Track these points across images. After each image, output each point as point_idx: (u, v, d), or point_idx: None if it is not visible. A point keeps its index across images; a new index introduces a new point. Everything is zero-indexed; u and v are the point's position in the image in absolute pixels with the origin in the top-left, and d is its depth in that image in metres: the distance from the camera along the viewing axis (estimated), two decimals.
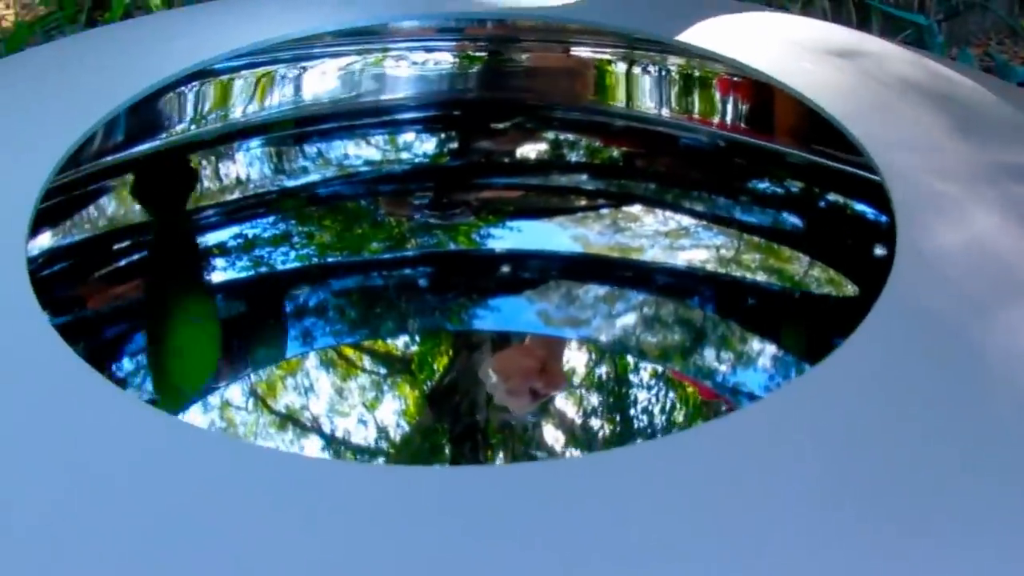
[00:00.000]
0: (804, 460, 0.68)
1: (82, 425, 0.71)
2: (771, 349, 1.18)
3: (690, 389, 1.17)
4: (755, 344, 1.19)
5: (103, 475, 0.67)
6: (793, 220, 1.27)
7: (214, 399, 1.15)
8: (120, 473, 0.67)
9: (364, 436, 1.13)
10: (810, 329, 1.19)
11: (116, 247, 1.24)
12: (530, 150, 1.44)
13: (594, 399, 1.18)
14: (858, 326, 0.75)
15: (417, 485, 0.66)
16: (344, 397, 1.17)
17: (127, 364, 1.17)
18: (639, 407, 1.17)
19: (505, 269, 1.32)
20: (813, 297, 1.20)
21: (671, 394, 1.17)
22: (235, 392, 1.16)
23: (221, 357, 1.20)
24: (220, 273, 1.28)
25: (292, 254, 1.29)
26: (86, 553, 0.61)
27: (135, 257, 1.25)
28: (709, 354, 1.19)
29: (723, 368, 1.16)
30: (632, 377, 1.20)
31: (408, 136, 1.41)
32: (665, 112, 1.35)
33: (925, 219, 0.91)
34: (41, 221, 1.05)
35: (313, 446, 1.11)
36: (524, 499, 0.64)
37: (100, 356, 1.15)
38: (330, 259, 1.30)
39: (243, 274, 1.28)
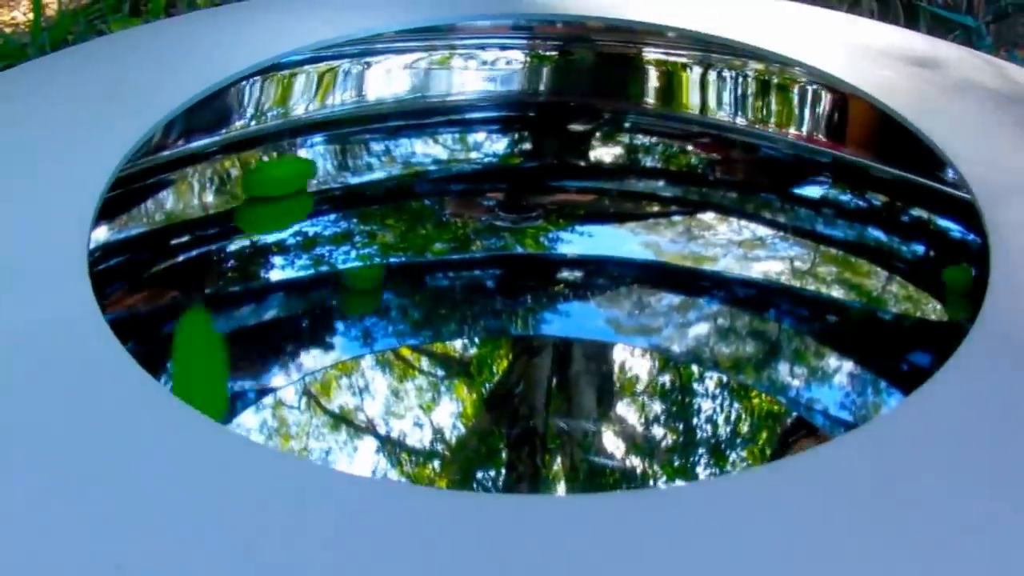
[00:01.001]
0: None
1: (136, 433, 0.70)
2: (847, 366, 1.14)
3: (756, 402, 1.13)
4: (830, 360, 1.16)
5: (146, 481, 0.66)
6: (873, 234, 1.24)
7: (270, 399, 1.13)
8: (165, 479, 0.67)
9: (420, 438, 1.11)
10: (886, 347, 1.15)
11: (174, 242, 1.23)
12: (603, 154, 1.42)
13: (657, 407, 1.15)
14: (955, 350, 0.73)
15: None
16: (401, 399, 1.15)
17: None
18: (703, 417, 1.14)
19: (574, 274, 1.29)
20: (890, 314, 1.16)
21: (737, 406, 1.14)
22: (289, 392, 1.14)
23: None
24: (279, 271, 1.26)
25: (353, 253, 1.27)
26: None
27: (192, 254, 1.23)
28: (782, 368, 1.15)
29: (796, 383, 1.13)
30: (698, 387, 1.17)
31: (478, 136, 1.39)
32: (741, 119, 1.33)
33: (1019, 240, 0.88)
34: (105, 214, 1.04)
35: (367, 448, 1.09)
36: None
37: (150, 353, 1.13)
38: (392, 259, 1.28)
39: (303, 272, 1.26)
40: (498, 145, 1.41)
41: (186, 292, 1.20)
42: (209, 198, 1.30)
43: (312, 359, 1.17)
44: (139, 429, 0.70)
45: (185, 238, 1.24)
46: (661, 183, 1.38)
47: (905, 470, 0.66)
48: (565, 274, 1.29)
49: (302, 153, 1.35)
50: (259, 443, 0.69)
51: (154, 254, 1.20)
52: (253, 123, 1.40)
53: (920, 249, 1.21)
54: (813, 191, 1.29)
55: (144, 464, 0.67)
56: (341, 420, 1.11)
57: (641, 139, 1.39)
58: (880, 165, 1.23)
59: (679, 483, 1.01)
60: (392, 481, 0.71)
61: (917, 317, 1.15)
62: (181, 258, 1.22)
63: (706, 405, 1.14)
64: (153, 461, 0.67)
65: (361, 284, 1.29)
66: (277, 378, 1.15)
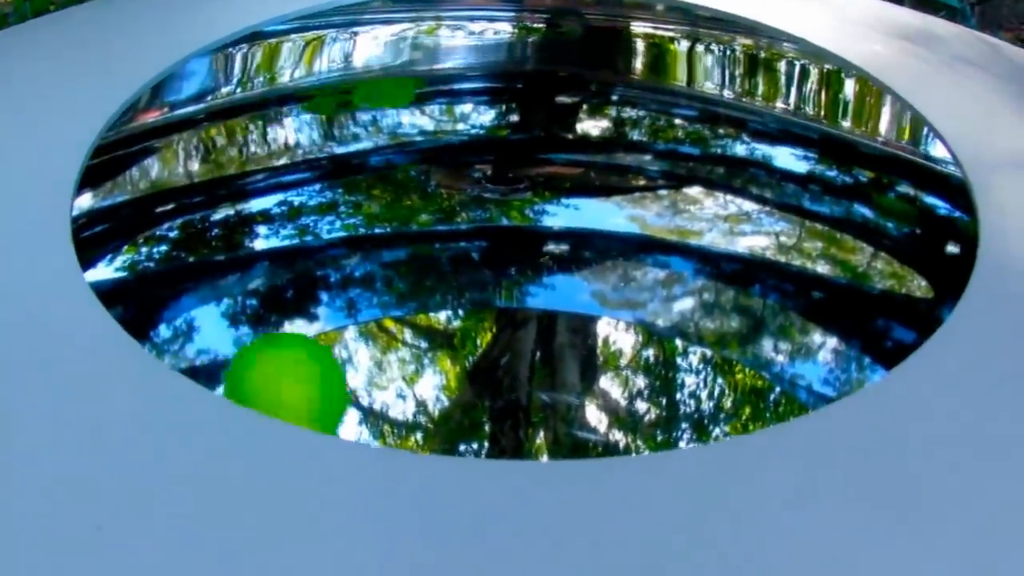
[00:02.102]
0: None
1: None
2: (831, 342, 1.15)
3: (740, 376, 1.14)
4: (814, 336, 1.16)
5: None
6: (860, 211, 1.24)
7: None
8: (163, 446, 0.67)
9: (402, 410, 1.11)
10: (871, 323, 1.16)
11: (158, 210, 1.22)
12: (590, 126, 1.41)
13: (640, 381, 1.15)
14: (937, 328, 0.73)
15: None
16: (384, 370, 1.15)
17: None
18: (686, 391, 1.14)
19: (559, 247, 1.29)
20: (875, 290, 1.17)
21: (720, 380, 1.15)
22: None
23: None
24: (263, 240, 1.26)
25: (338, 223, 1.27)
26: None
27: (176, 222, 1.23)
28: (766, 343, 1.16)
29: (780, 358, 1.13)
30: (681, 361, 1.17)
31: (465, 107, 1.38)
32: (728, 93, 1.33)
33: (1005, 223, 0.88)
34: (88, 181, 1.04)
35: (350, 419, 1.09)
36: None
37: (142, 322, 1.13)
38: (378, 230, 1.28)
39: (286, 242, 1.25)
40: (485, 117, 1.41)
41: (175, 263, 1.19)
42: (194, 166, 1.30)
43: (295, 329, 1.17)
44: (116, 390, 0.70)
45: (169, 206, 1.24)
46: (648, 157, 1.38)
47: (888, 442, 0.67)
48: (551, 247, 1.29)
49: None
50: (241, 407, 0.68)
51: (138, 221, 1.19)
52: (238, 91, 1.39)
53: (907, 226, 1.21)
54: (800, 166, 1.29)
55: (125, 425, 0.67)
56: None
57: (629, 112, 1.39)
58: (869, 141, 1.23)
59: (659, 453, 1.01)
60: (374, 446, 0.71)
61: (903, 293, 1.15)
62: (165, 226, 1.22)
63: (690, 380, 1.15)
64: (131, 420, 0.68)
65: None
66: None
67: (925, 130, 1.09)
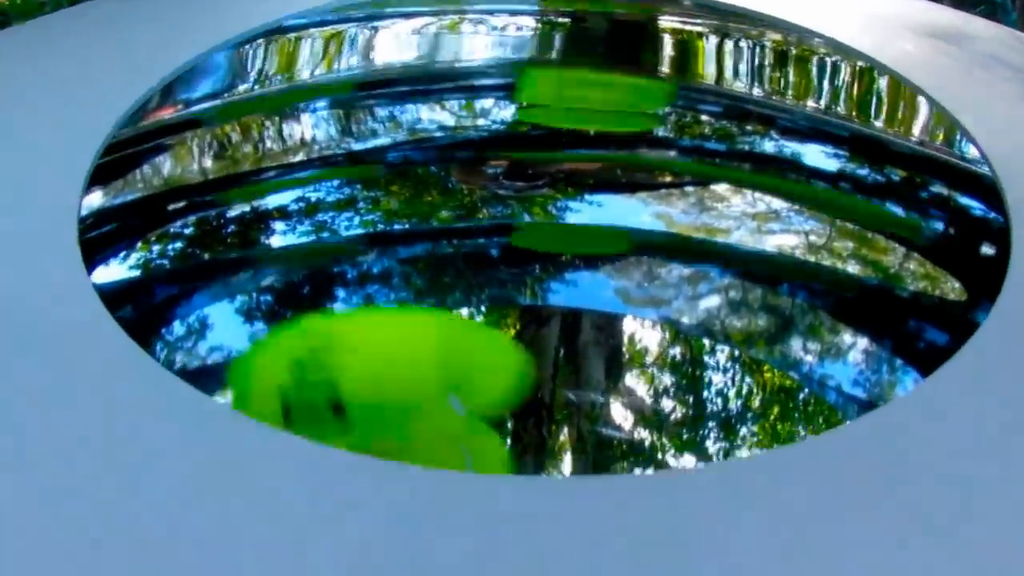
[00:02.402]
0: None
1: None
2: (861, 343, 1.11)
3: (768, 376, 1.11)
4: (844, 337, 1.13)
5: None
6: (892, 210, 1.21)
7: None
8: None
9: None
10: (902, 325, 1.13)
11: (171, 207, 1.20)
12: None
13: (666, 380, 1.12)
14: (971, 331, 0.71)
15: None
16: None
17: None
18: (713, 391, 1.11)
19: (581, 243, 1.26)
20: (907, 291, 1.14)
21: (748, 380, 1.11)
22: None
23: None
24: (279, 237, 1.24)
25: (356, 220, 1.25)
26: None
27: (190, 218, 1.21)
28: (795, 343, 1.12)
29: (808, 359, 1.10)
30: (707, 360, 1.14)
31: (485, 103, 1.36)
32: (758, 90, 1.30)
33: None
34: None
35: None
36: None
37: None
38: (396, 226, 1.25)
39: (303, 239, 1.23)
40: (506, 112, 1.38)
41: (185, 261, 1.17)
42: (208, 162, 1.28)
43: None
44: (114, 393, 0.68)
45: (181, 203, 1.22)
46: (673, 153, 1.35)
47: (920, 455, 0.64)
48: (573, 243, 1.26)
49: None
50: (239, 412, 0.66)
51: (149, 218, 1.17)
52: (256, 87, 1.38)
53: (939, 226, 1.18)
54: (831, 164, 1.26)
55: (129, 433, 0.65)
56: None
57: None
58: (900, 140, 1.20)
59: (687, 465, 0.98)
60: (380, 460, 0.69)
61: (935, 295, 1.12)
62: (178, 223, 1.20)
63: (717, 379, 1.12)
64: (127, 425, 0.66)
65: None
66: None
67: (957, 131, 1.06)
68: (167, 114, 1.23)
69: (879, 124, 1.22)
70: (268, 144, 1.34)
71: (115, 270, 1.08)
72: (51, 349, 0.72)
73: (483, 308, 1.19)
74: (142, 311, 1.09)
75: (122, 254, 1.11)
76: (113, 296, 0.97)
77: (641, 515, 0.60)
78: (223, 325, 1.11)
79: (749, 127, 1.32)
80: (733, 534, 0.59)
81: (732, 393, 1.10)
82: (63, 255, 0.82)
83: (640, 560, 0.57)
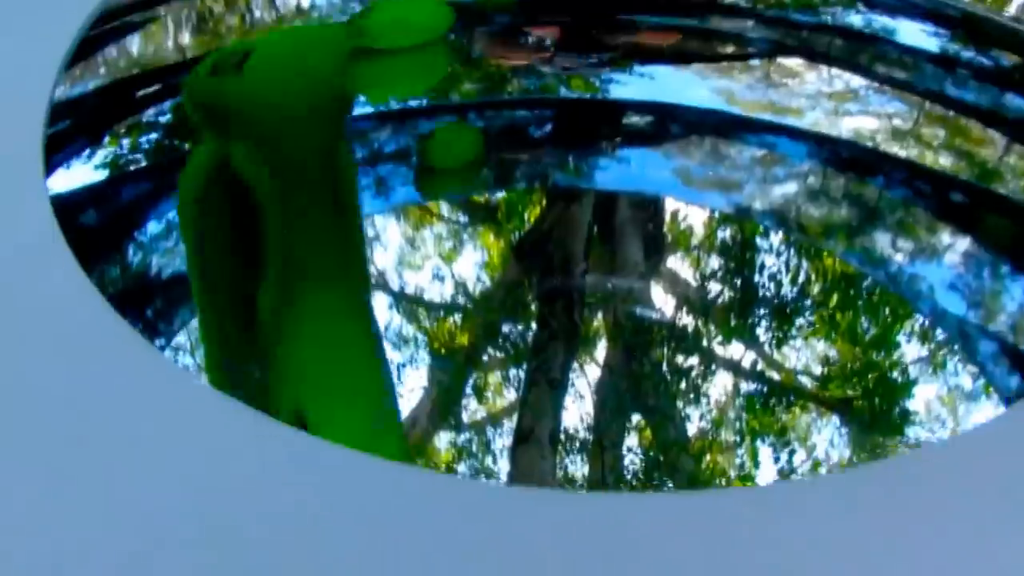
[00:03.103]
0: None
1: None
2: (947, 241, 0.96)
3: (839, 267, 0.95)
4: (934, 234, 0.97)
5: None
6: (995, 95, 1.05)
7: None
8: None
9: (439, 292, 0.92)
10: (998, 225, 0.97)
11: (140, 93, 1.04)
12: None
13: (715, 263, 0.96)
14: None
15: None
16: (417, 248, 0.96)
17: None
18: (767, 276, 0.95)
19: (628, 120, 1.10)
20: (1007, 188, 0.98)
21: (805, 264, 0.96)
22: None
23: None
24: None
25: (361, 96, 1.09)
26: None
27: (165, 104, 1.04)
28: (881, 237, 0.96)
29: (896, 256, 0.94)
30: (762, 243, 0.98)
31: None
32: None
33: None
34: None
35: (380, 304, 0.91)
36: None
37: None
38: (412, 103, 1.09)
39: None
40: None
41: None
42: (185, 38, 1.12)
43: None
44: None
45: (155, 87, 1.06)
46: (738, 22, 1.19)
47: None
48: (618, 120, 1.10)
49: None
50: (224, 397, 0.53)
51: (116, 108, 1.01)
52: None
53: None
54: (925, 42, 1.10)
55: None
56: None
57: None
58: (1006, 20, 1.04)
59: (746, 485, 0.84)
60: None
61: None
62: (151, 111, 1.03)
63: (768, 261, 0.96)
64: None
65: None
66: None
67: None
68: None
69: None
70: (257, 14, 1.18)
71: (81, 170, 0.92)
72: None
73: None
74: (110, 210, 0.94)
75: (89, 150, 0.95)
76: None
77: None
78: None
79: None
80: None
81: (787, 279, 0.95)
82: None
83: None
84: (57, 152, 0.84)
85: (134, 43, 1.06)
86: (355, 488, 0.48)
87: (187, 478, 0.48)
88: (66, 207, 0.71)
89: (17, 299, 0.58)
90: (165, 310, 0.86)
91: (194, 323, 0.83)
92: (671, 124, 1.09)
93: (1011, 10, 1.07)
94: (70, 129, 0.91)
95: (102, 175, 0.93)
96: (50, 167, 0.75)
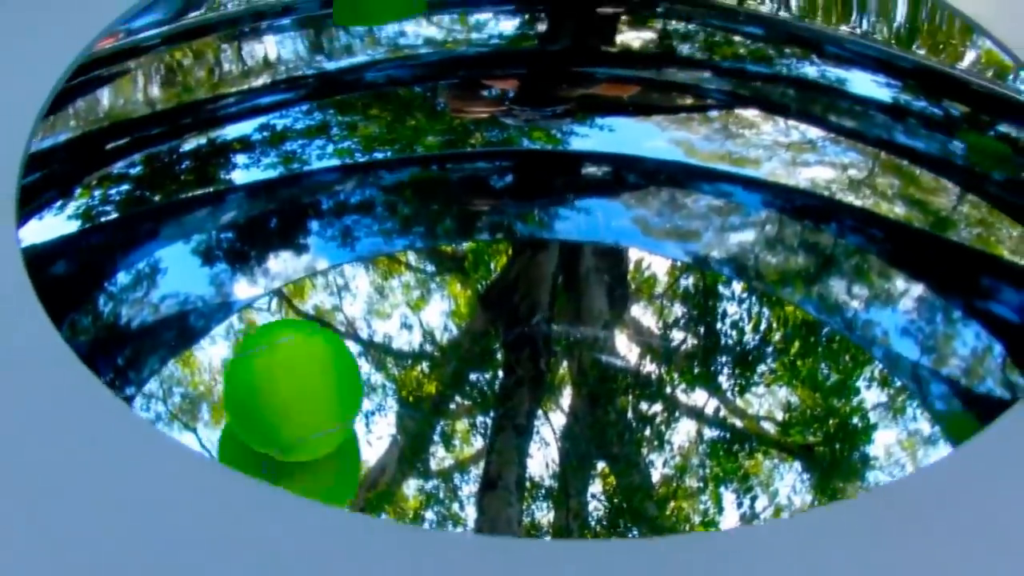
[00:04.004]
0: None
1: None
2: (900, 287, 0.98)
3: (798, 314, 0.96)
4: (889, 281, 0.99)
5: None
6: (942, 145, 1.07)
7: (234, 318, 0.95)
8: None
9: (407, 340, 0.93)
10: (951, 272, 0.99)
11: (110, 146, 1.05)
12: (634, 38, 1.24)
13: (677, 311, 0.98)
14: None
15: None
16: (385, 297, 0.97)
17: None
18: (728, 324, 0.97)
19: (588, 171, 1.11)
20: (959, 237, 1.00)
21: (765, 311, 0.97)
22: (258, 297, 0.96)
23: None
24: (242, 171, 1.08)
25: (329, 148, 1.09)
26: None
27: (135, 157, 1.05)
28: (834, 285, 0.98)
29: (852, 303, 0.96)
30: (723, 290, 1.00)
31: (483, 15, 1.21)
32: (785, 13, 1.17)
33: None
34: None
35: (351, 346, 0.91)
36: None
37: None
38: (378, 155, 1.10)
39: (271, 173, 1.08)
40: (506, 25, 1.23)
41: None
42: (155, 92, 1.12)
43: (284, 264, 0.99)
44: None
45: (125, 139, 1.06)
46: (692, 74, 1.21)
47: None
48: (579, 171, 1.12)
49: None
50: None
51: (89, 160, 1.01)
52: (210, 11, 1.23)
53: (995, 167, 1.05)
54: (878, 93, 1.12)
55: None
56: (318, 324, 0.93)
57: (675, 25, 1.22)
58: (956, 72, 1.07)
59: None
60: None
61: (991, 242, 0.98)
62: (121, 163, 1.04)
63: (730, 310, 0.98)
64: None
65: None
66: (245, 285, 0.97)
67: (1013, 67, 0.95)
68: (106, 44, 1.08)
69: (930, 52, 1.09)
70: (226, 67, 1.18)
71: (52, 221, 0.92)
72: None
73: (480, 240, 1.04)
74: (84, 261, 0.94)
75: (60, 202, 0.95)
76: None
77: None
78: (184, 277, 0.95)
79: (787, 49, 1.18)
80: None
81: (748, 327, 0.96)
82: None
83: None
84: (28, 203, 0.84)
85: (104, 95, 1.07)
86: (321, 539, 0.48)
87: (149, 527, 0.48)
88: (37, 258, 0.71)
89: None
90: (134, 360, 0.87)
91: (163, 371, 0.84)
92: (629, 174, 1.11)
93: (963, 64, 1.09)
94: (40, 181, 0.92)
95: (73, 226, 0.94)
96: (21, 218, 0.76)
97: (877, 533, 0.49)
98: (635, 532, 0.78)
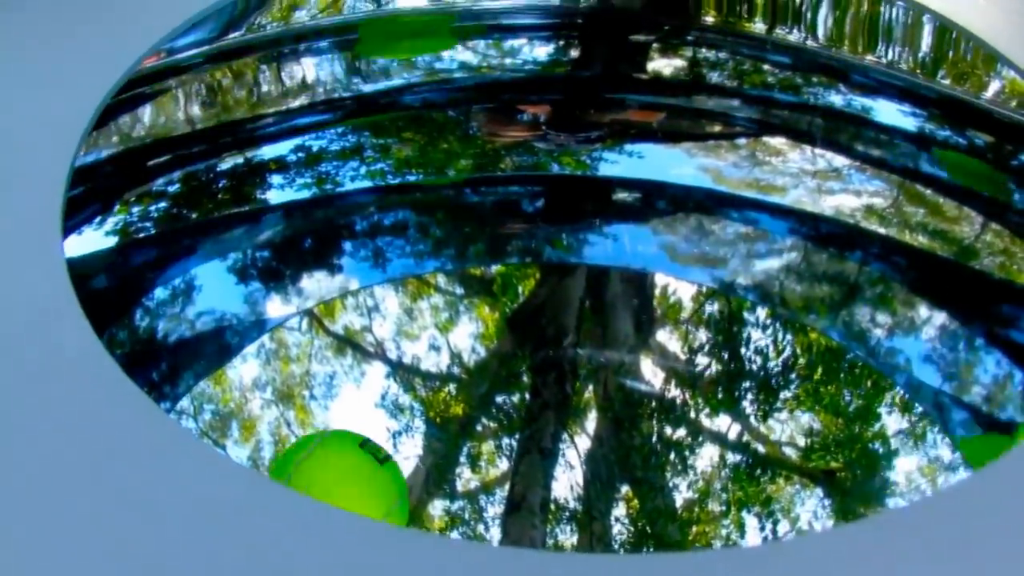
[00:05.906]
0: None
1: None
2: (923, 315, 0.97)
3: (822, 340, 0.96)
4: (912, 309, 0.98)
5: None
6: (971, 176, 1.07)
7: (276, 325, 0.95)
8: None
9: (436, 362, 0.93)
10: (973, 301, 0.99)
11: (151, 163, 1.05)
12: (664, 66, 1.24)
13: (702, 337, 0.98)
14: None
15: None
16: (414, 318, 0.97)
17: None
18: (753, 350, 0.97)
19: (617, 197, 1.12)
20: (981, 265, 0.99)
21: (789, 337, 0.97)
22: (294, 317, 0.96)
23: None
24: (277, 192, 1.09)
25: (363, 169, 1.10)
26: None
27: (175, 175, 1.06)
28: (857, 312, 0.98)
29: (875, 331, 0.96)
30: (748, 316, 1.00)
31: (518, 41, 1.21)
32: (812, 42, 1.16)
33: None
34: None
35: (377, 373, 0.92)
36: None
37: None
38: (410, 177, 1.11)
39: (306, 193, 1.08)
40: (539, 51, 1.23)
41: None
42: (194, 110, 1.13)
43: (316, 284, 1.00)
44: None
45: (165, 157, 1.07)
46: (720, 101, 1.21)
47: None
48: (608, 196, 1.12)
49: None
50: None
51: (129, 177, 1.02)
52: (249, 32, 1.23)
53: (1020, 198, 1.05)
54: (903, 122, 1.12)
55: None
56: (348, 344, 0.93)
57: (706, 54, 1.22)
58: (984, 104, 1.06)
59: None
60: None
61: (1013, 270, 0.98)
62: (161, 180, 1.05)
63: (756, 336, 0.97)
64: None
65: None
66: (278, 304, 0.97)
67: None
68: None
69: (954, 83, 1.09)
70: (264, 88, 1.19)
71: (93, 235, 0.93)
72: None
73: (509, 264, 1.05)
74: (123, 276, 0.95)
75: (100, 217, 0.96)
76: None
77: None
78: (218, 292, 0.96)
79: (814, 78, 1.18)
80: None
81: (772, 353, 0.96)
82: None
83: None
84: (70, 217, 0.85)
85: (145, 113, 1.07)
86: (352, 550, 0.48)
87: (190, 535, 0.48)
88: (77, 270, 0.72)
89: (31, 359, 0.59)
90: (171, 372, 0.87)
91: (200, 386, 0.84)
92: (658, 201, 1.11)
93: (987, 93, 1.09)
94: (82, 195, 0.92)
95: (112, 241, 0.94)
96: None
97: (895, 553, 0.49)
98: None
